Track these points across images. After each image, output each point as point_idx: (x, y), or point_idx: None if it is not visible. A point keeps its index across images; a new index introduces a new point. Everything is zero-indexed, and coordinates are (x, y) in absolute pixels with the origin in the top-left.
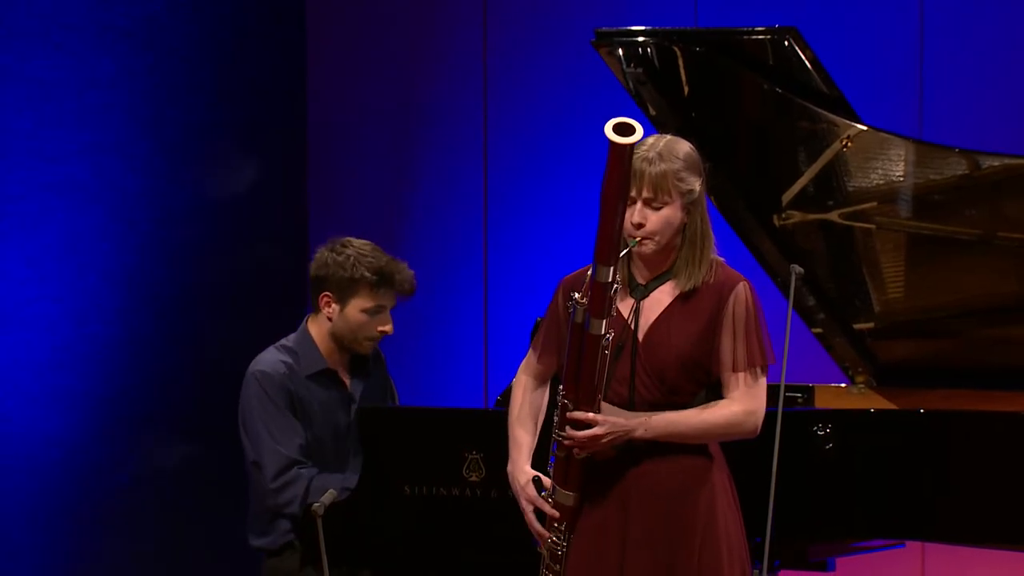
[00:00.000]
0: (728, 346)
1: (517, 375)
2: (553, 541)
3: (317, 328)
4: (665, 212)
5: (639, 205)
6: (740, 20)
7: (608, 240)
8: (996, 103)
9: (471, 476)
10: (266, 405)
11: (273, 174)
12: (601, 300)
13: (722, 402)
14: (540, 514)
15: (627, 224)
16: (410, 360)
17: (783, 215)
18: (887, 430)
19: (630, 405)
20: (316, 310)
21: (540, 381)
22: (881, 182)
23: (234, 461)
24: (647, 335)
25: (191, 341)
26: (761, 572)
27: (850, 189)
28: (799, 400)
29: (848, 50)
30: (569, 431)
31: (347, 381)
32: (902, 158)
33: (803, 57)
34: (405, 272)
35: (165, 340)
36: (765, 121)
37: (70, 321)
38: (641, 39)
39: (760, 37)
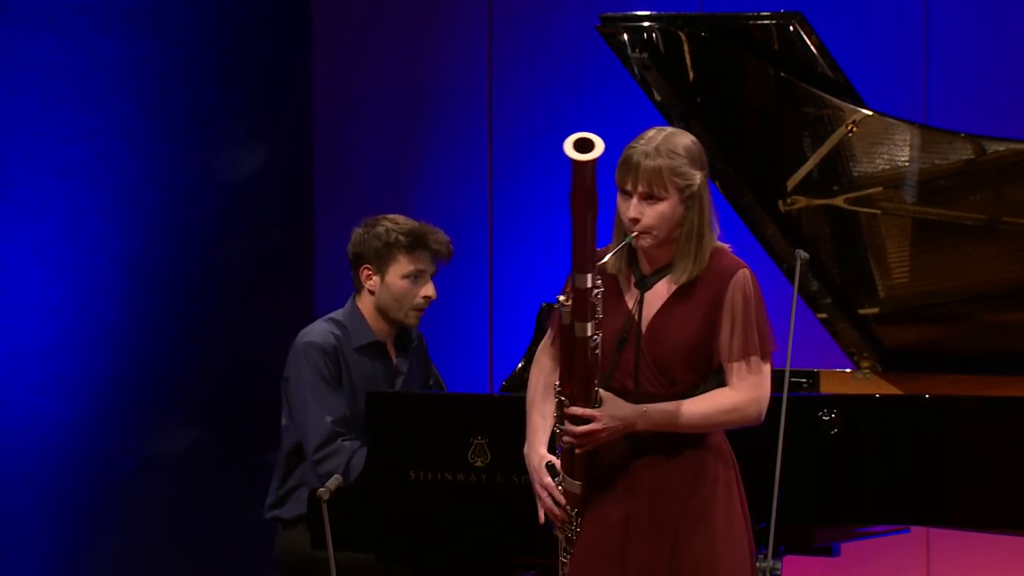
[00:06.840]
0: (727, 335)
1: (536, 356)
2: (567, 525)
3: (364, 304)
4: (661, 207)
5: (635, 199)
6: (745, 5)
7: (582, 250)
8: (1002, 88)
9: (476, 461)
10: (313, 375)
11: (279, 159)
12: (583, 305)
13: (722, 390)
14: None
15: (624, 219)
16: None
17: (788, 200)
18: (892, 415)
19: (635, 396)
20: (358, 289)
21: (556, 363)
22: (886, 167)
23: (239, 444)
24: (650, 327)
25: (196, 325)
26: (766, 557)
27: (855, 174)
28: (804, 385)
29: (853, 35)
30: (568, 426)
31: (394, 357)
32: (907, 143)
33: (808, 42)
34: (440, 235)
35: (170, 324)
36: (770, 106)
37: (74, 305)
38: (646, 24)
39: (765, 22)
